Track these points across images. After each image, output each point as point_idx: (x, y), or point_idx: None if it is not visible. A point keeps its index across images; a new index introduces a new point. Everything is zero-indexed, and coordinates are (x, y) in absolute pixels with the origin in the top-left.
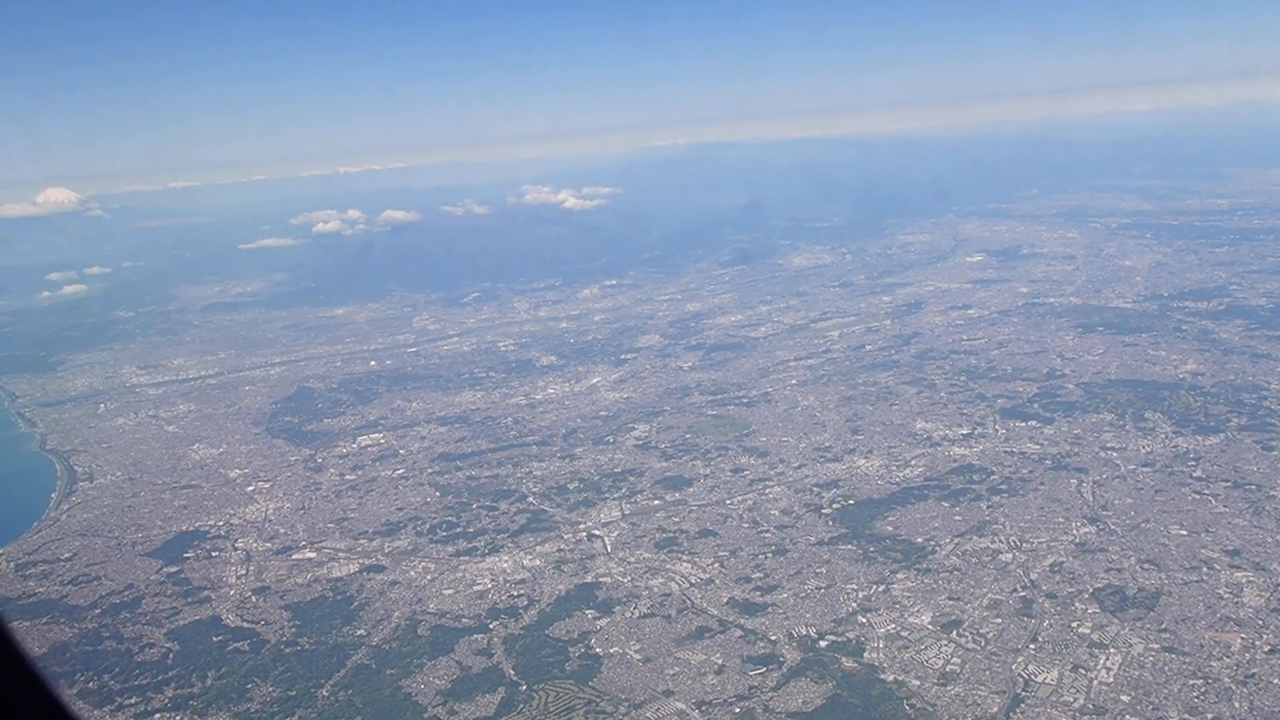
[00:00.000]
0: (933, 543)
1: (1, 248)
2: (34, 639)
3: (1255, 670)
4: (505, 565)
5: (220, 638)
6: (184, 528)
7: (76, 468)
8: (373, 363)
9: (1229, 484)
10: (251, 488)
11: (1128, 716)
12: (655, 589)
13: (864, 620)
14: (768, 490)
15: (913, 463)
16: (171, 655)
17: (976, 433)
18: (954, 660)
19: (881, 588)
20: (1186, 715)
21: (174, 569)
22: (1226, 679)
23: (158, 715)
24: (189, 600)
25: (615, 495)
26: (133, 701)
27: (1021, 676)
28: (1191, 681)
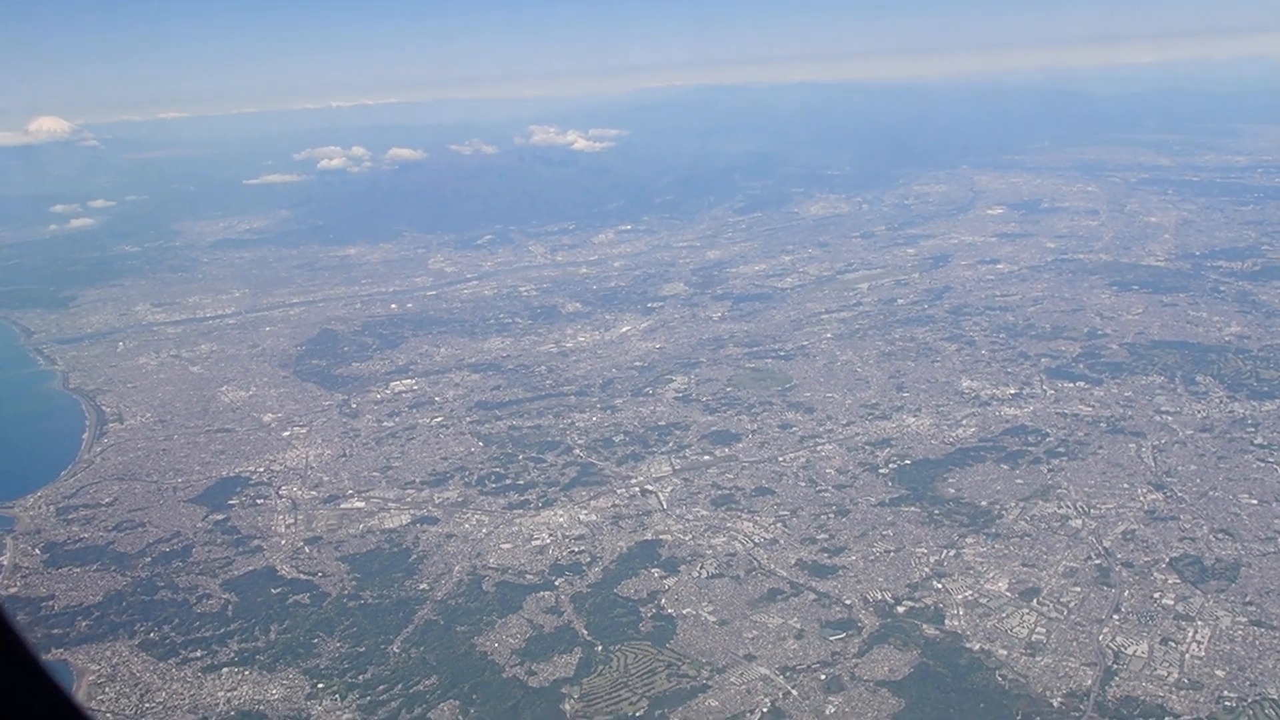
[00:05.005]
0: (998, 506)
1: None
2: (86, 586)
3: None
4: (561, 520)
5: (279, 590)
6: (224, 473)
7: (104, 408)
8: (393, 305)
9: None
10: (288, 433)
11: (1225, 692)
12: (719, 548)
13: (939, 586)
14: (819, 448)
15: (964, 422)
16: (231, 607)
17: (1025, 393)
18: (1038, 630)
19: (952, 552)
20: None
21: (220, 516)
22: None
23: (225, 670)
24: (240, 550)
25: (663, 449)
26: (198, 655)
27: (1110, 648)
28: None
